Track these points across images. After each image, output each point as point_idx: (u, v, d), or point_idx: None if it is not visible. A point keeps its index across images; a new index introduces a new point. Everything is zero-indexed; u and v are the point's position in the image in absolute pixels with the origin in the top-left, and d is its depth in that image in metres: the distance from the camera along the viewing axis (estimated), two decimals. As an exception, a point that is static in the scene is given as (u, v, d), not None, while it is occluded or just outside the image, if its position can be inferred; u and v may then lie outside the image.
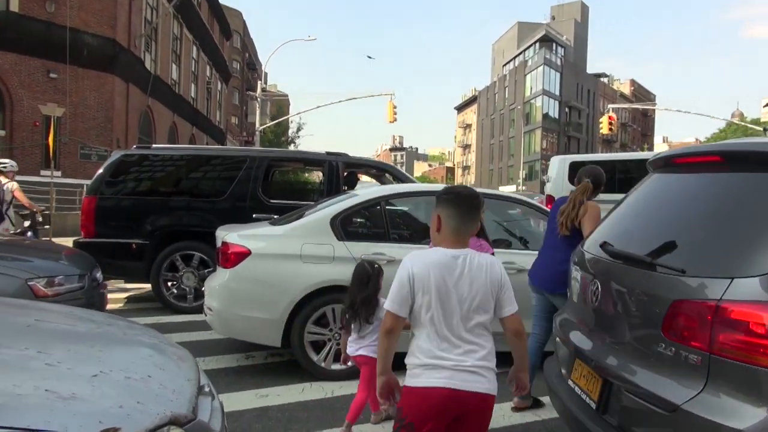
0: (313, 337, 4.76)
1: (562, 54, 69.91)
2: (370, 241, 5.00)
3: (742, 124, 30.85)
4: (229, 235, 4.90)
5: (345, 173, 7.89)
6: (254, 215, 6.91)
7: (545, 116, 64.78)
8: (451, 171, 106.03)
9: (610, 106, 30.01)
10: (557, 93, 66.45)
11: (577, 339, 2.83)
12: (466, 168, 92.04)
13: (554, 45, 69.20)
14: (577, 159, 10.69)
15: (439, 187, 4.61)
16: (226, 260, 4.77)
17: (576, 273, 3.05)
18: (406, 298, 2.11)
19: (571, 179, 10.18)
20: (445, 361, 2.06)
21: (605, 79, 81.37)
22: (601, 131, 27.40)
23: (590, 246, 2.99)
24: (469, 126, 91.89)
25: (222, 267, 4.85)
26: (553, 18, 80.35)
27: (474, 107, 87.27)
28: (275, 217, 6.12)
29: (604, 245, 2.76)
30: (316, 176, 10.06)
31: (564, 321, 3.14)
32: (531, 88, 66.67)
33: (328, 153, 7.96)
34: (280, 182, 9.65)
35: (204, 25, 34.53)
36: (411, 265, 2.13)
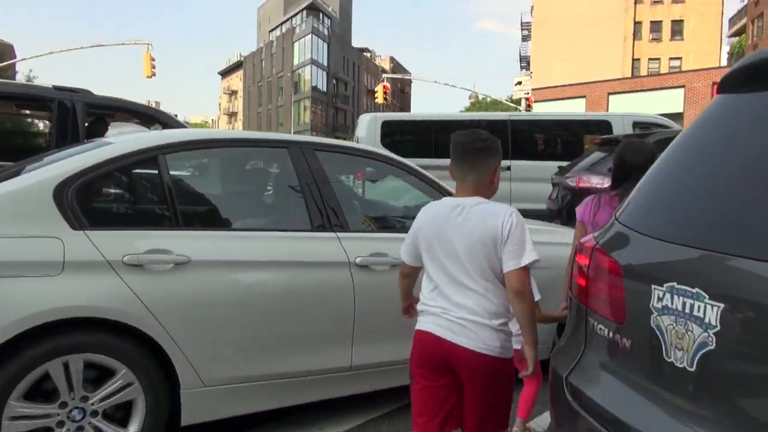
0: (21, 428, 2.37)
1: (329, 25, 69.84)
2: (140, 228, 2.77)
3: (508, 102, 33.67)
4: None
5: (88, 120, 5.24)
6: None
7: (314, 87, 64.21)
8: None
9: (385, 75, 30.17)
10: (325, 63, 66.24)
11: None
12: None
13: (321, 15, 68.68)
14: (390, 118, 9.41)
15: (276, 136, 3.23)
16: None
17: (631, 287, 1.55)
18: (411, 245, 2.17)
19: (383, 139, 8.79)
20: (434, 308, 2.05)
21: (368, 54, 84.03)
22: (376, 100, 27.17)
23: (660, 228, 1.51)
24: (234, 93, 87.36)
25: None
26: (319, -13, 79.89)
27: (239, 73, 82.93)
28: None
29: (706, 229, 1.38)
30: (42, 124, 6.83)
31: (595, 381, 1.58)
32: (299, 57, 65.33)
33: (58, 88, 5.19)
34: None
35: None
36: (420, 215, 2.16)
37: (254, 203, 3.54)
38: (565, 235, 4.03)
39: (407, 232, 2.22)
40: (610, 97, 29.01)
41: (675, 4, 48.43)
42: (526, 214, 7.64)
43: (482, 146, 2.04)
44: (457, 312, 1.98)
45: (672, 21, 48.48)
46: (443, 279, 2.02)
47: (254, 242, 2.91)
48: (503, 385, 2.03)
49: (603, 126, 8.64)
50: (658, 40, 48.69)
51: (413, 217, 2.22)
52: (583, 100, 28.90)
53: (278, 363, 2.89)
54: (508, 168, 8.39)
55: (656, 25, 48.66)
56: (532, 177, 8.32)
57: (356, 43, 79.82)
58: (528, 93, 26.86)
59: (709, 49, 47.48)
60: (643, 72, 45.71)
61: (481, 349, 1.95)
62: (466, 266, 1.97)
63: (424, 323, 2.06)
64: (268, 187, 3.65)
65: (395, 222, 3.68)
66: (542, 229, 4.21)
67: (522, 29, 52.99)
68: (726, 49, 49.30)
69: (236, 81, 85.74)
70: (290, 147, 3.23)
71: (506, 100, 32.94)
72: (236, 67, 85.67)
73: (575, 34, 45.88)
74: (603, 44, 45.74)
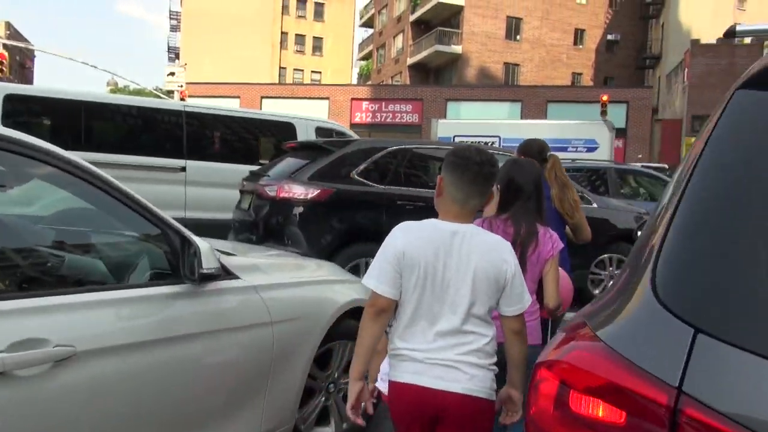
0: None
1: None
2: None
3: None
4: None
5: None
6: None
7: None
8: None
9: (2, 41, 23.64)
10: None
11: None
12: None
13: None
14: (16, 91, 6.70)
15: None
16: None
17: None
18: (394, 275, 1.78)
19: (4, 120, 6.25)
20: (417, 353, 1.78)
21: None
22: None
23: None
24: None
25: None
26: None
27: None
28: None
29: None
30: None
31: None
32: None
33: None
34: None
35: None
36: (401, 236, 1.81)
37: None
38: (316, 269, 3.09)
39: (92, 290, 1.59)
40: (263, 100, 29.44)
41: (316, 22, 52.71)
42: (208, 225, 6.40)
43: (494, 171, 1.87)
44: (446, 352, 1.78)
45: (314, 37, 52.62)
46: (431, 315, 1.80)
47: None
48: (489, 430, 1.87)
49: (287, 128, 8.03)
50: (302, 52, 52.19)
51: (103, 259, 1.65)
52: (238, 101, 28.59)
53: None
54: (183, 169, 7.00)
55: (300, 38, 52.10)
56: (214, 181, 7.11)
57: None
58: (182, 86, 25.07)
59: (343, 68, 53.19)
60: (289, 80, 48.32)
61: (472, 391, 1.77)
62: (466, 302, 1.79)
63: (403, 373, 1.81)
64: None
65: (68, 268, 2.08)
66: (290, 263, 3.16)
67: (171, 18, 50.04)
68: (356, 70, 56.01)
69: None
70: None
71: (155, 90, 30.28)
72: None
73: (227, 32, 45.54)
74: (254, 47, 46.59)
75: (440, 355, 1.76)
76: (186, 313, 2.09)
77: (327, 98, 30.26)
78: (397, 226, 1.85)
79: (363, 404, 1.87)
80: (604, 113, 22.48)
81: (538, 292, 2.44)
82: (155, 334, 1.97)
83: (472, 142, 15.29)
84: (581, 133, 18.44)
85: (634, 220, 6.92)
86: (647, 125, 27.82)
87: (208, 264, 2.05)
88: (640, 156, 25.19)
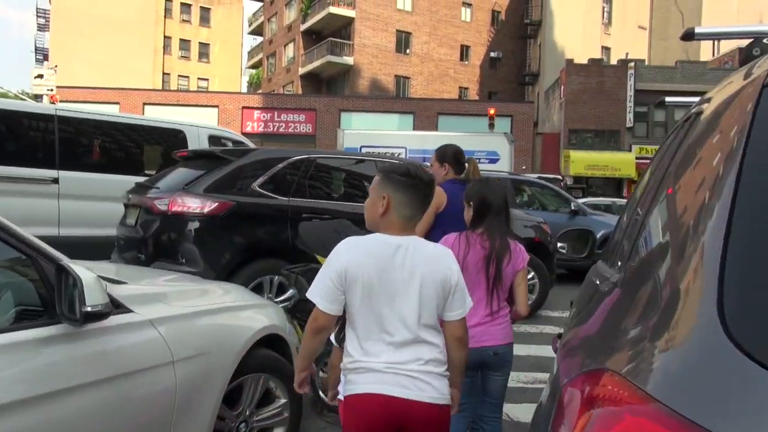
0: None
1: None
2: None
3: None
4: None
5: None
6: None
7: None
8: None
9: None
10: None
11: None
12: None
13: None
14: None
15: None
16: None
17: None
18: (336, 292, 1.79)
19: None
20: (376, 363, 1.79)
21: None
22: None
23: None
24: None
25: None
26: None
27: None
28: None
29: None
30: None
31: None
32: None
33: None
34: None
35: None
36: (345, 253, 1.83)
37: None
38: (222, 294, 2.72)
39: None
40: (146, 107, 27.68)
41: (202, 27, 50.70)
42: (87, 244, 5.69)
43: (433, 186, 1.96)
44: (407, 364, 1.80)
45: (200, 43, 50.54)
46: (383, 328, 1.81)
47: None
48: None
49: (176, 136, 7.37)
50: (187, 58, 49.90)
51: None
52: (117, 107, 26.62)
53: None
54: (55, 181, 6.19)
55: (185, 44, 49.82)
56: (92, 194, 6.34)
57: None
58: (52, 90, 22.88)
59: (232, 76, 51.54)
60: (173, 86, 45.97)
61: (437, 400, 1.82)
62: (414, 313, 1.81)
63: (364, 384, 1.79)
64: None
65: None
66: (192, 288, 2.72)
67: (38, 16, 45.89)
68: (246, 78, 54.51)
69: None
70: None
71: (21, 94, 27.47)
72: None
73: (103, 34, 42.55)
74: (133, 51, 43.89)
75: (401, 366, 1.79)
76: (64, 362, 1.66)
77: (216, 106, 29.01)
78: (341, 242, 1.86)
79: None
80: (491, 126, 23.46)
81: (509, 300, 2.72)
82: (22, 393, 1.53)
83: (379, 153, 15.26)
84: (484, 145, 19.17)
85: (533, 230, 7.09)
86: (530, 138, 29.39)
87: (93, 299, 1.63)
88: (524, 167, 26.50)
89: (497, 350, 2.62)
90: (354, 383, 1.81)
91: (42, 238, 6.19)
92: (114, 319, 1.84)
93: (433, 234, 3.14)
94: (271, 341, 2.77)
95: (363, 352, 1.81)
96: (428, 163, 3.94)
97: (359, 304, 1.80)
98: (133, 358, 1.91)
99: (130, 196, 5.45)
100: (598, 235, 8.21)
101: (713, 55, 34.88)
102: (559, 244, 3.10)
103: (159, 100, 28.85)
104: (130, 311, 1.96)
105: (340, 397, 1.91)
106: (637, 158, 28.12)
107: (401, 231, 1.87)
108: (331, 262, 1.82)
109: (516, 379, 4.54)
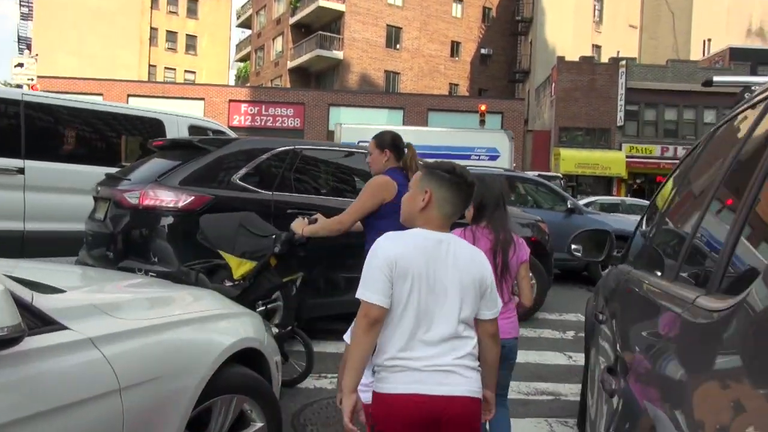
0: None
1: None
2: None
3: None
4: None
5: None
6: None
7: None
8: None
9: None
10: None
11: None
12: None
13: None
14: None
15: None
16: None
17: None
18: (388, 284, 1.76)
19: None
20: (415, 361, 1.78)
21: None
22: None
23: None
24: None
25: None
26: None
27: None
28: None
29: None
30: None
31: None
32: None
33: None
34: None
35: None
36: (392, 246, 1.81)
37: None
38: (192, 302, 2.33)
39: None
40: (130, 99, 27.03)
41: (189, 19, 49.86)
42: (55, 239, 5.23)
43: (473, 189, 1.96)
44: (443, 357, 1.79)
45: (187, 35, 49.71)
46: (426, 322, 1.80)
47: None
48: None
49: (154, 126, 6.92)
50: (173, 50, 49.07)
51: None
52: (101, 98, 25.96)
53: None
54: (21, 171, 5.73)
55: (172, 35, 48.97)
56: (61, 186, 5.89)
57: None
58: (33, 79, 22.22)
59: (219, 69, 50.77)
60: (160, 78, 45.17)
61: (474, 393, 1.83)
62: (456, 308, 1.83)
63: (403, 384, 1.76)
64: None
65: None
66: (153, 296, 2.30)
67: (21, 5, 44.86)
68: (234, 72, 53.76)
69: None
70: None
71: (2, 84, 26.72)
72: None
73: (88, 24, 41.69)
74: (118, 43, 43.06)
75: (438, 360, 1.78)
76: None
77: (202, 99, 28.42)
78: (381, 237, 1.86)
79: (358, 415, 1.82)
80: (482, 123, 23.12)
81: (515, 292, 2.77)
82: None
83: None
84: (484, 142, 18.79)
85: (530, 228, 6.76)
86: (520, 135, 29.09)
87: (0, 320, 1.24)
88: (514, 165, 26.26)
89: (504, 344, 2.40)
90: (391, 381, 1.78)
91: (5, 233, 5.68)
92: (38, 340, 1.46)
93: (378, 225, 2.98)
94: (246, 355, 2.40)
95: (405, 349, 1.78)
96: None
97: (406, 298, 1.78)
98: (65, 388, 1.52)
99: (100, 188, 5.03)
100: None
101: (704, 54, 34.87)
102: (573, 246, 2.80)
103: (144, 91, 28.21)
104: (63, 327, 1.58)
105: (362, 396, 1.81)
106: (627, 157, 27.99)
107: (440, 227, 1.88)
108: (377, 255, 1.79)
109: (516, 390, 4.19)
